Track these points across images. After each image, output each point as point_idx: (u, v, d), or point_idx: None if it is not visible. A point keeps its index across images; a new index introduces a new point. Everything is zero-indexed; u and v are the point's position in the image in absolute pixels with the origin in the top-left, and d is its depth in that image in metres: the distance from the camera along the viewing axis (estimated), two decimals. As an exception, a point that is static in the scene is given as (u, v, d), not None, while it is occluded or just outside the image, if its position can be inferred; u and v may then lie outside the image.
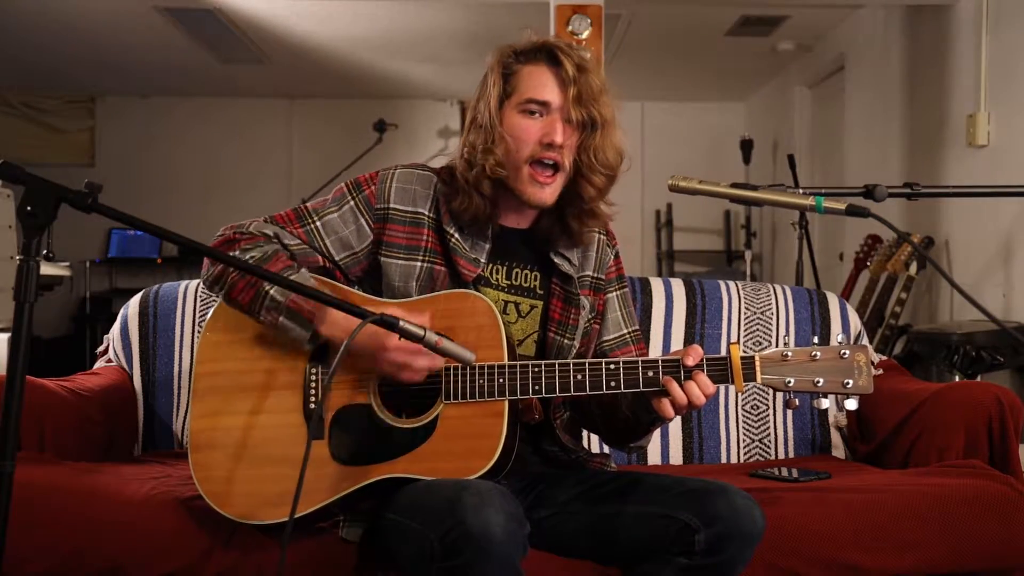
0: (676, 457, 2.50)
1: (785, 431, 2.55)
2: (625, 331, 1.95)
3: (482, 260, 1.81)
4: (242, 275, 1.71)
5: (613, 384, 1.67)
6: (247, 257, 1.72)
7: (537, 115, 1.75)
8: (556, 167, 1.76)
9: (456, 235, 1.80)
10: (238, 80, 7.07)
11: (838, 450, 2.54)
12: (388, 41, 6.07)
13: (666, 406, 1.65)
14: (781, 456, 2.53)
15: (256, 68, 6.66)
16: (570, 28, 4.22)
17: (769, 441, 2.53)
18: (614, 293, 1.96)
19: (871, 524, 1.90)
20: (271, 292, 1.69)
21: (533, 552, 1.70)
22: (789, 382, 1.63)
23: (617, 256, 1.98)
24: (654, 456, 2.50)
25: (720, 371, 1.65)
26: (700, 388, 1.63)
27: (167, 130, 7.59)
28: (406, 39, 6.02)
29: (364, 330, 1.57)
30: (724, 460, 2.52)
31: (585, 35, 4.22)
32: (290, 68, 6.68)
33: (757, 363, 1.64)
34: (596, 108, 1.74)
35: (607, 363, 1.68)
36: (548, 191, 1.76)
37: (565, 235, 1.84)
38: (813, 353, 1.63)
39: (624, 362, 1.67)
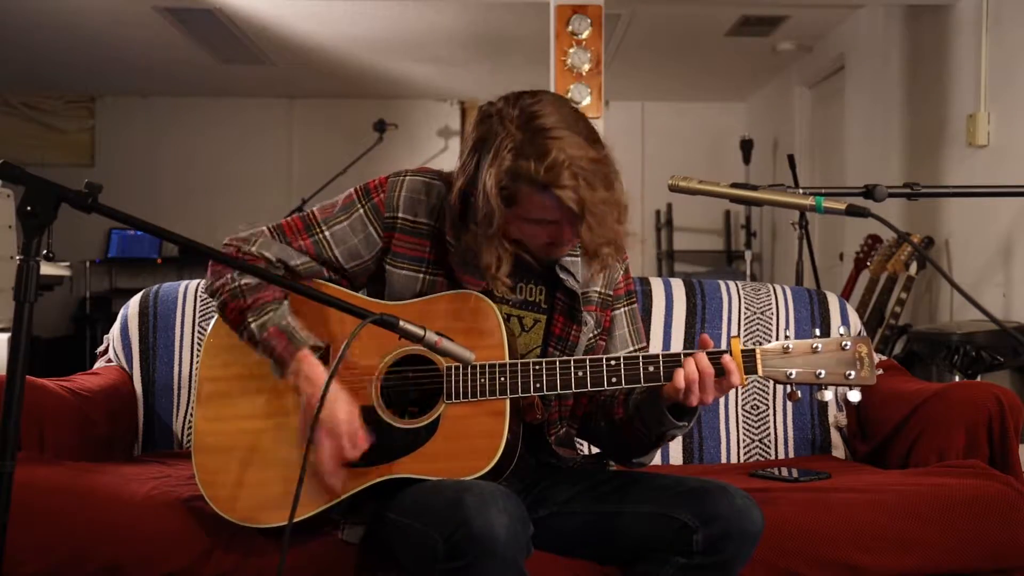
0: (676, 457, 2.50)
1: (785, 431, 2.55)
2: (632, 348, 1.93)
3: None
4: (232, 296, 1.73)
5: (615, 380, 1.67)
6: (242, 282, 1.73)
7: (544, 225, 1.67)
8: None
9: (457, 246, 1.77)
10: (238, 80, 7.07)
11: (838, 450, 2.54)
12: (388, 41, 6.07)
13: (677, 375, 1.63)
14: (781, 456, 2.53)
15: (256, 68, 6.66)
16: (570, 28, 4.22)
17: (769, 441, 2.53)
18: (622, 309, 1.93)
19: (871, 524, 1.90)
20: (252, 326, 1.71)
21: (534, 553, 1.70)
22: (791, 374, 1.64)
23: (627, 271, 1.96)
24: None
25: (720, 363, 1.65)
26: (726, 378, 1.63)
27: (167, 130, 7.59)
28: (406, 39, 6.01)
29: (315, 384, 1.62)
30: (724, 460, 2.52)
31: (585, 35, 4.21)
32: (290, 68, 6.68)
33: (758, 356, 1.65)
34: (599, 210, 1.63)
35: (608, 359, 1.68)
36: (558, 253, 1.76)
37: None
38: (815, 345, 1.64)
39: (625, 358, 1.68)
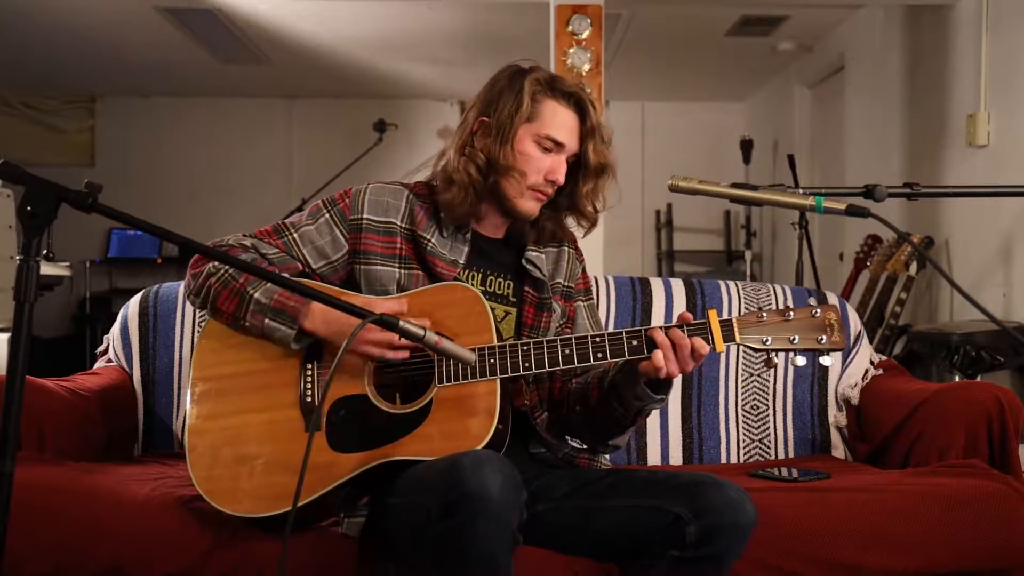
0: (676, 457, 2.50)
1: (785, 431, 2.55)
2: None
3: (460, 261, 1.88)
4: (224, 284, 1.77)
5: (600, 355, 1.72)
6: (225, 270, 1.79)
7: (550, 152, 1.85)
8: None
9: (432, 239, 1.88)
10: (238, 80, 7.07)
11: (838, 450, 2.54)
12: (388, 41, 6.07)
13: (656, 356, 1.68)
14: (781, 456, 2.53)
15: (256, 68, 6.66)
16: (570, 28, 4.22)
17: (769, 441, 2.53)
18: (582, 303, 2.05)
19: (871, 524, 1.90)
20: (255, 295, 1.75)
21: (533, 550, 1.71)
22: (766, 340, 1.73)
23: (584, 271, 2.07)
24: (654, 456, 2.50)
25: (700, 333, 1.70)
26: (695, 347, 1.69)
27: (167, 130, 7.59)
28: (406, 39, 6.02)
29: (340, 323, 1.68)
30: (724, 460, 2.52)
31: (585, 35, 4.21)
32: (290, 68, 6.68)
33: (735, 324, 1.72)
34: (608, 155, 1.89)
35: (593, 336, 1.73)
36: (538, 207, 1.90)
37: (535, 232, 1.94)
38: (788, 314, 1.74)
39: (609, 334, 1.73)
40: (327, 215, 1.89)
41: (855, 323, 2.63)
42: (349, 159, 6.89)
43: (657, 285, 2.62)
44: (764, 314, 1.73)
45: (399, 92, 7.40)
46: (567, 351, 1.72)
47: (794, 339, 1.72)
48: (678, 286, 2.63)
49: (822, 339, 1.71)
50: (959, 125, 4.29)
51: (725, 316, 1.78)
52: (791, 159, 3.89)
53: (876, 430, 2.41)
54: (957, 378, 3.61)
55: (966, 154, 4.25)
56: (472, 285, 1.88)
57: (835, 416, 2.55)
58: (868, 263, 4.61)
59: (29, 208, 1.32)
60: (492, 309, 1.87)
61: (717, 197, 1.80)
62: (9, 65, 6.68)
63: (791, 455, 2.54)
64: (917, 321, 4.61)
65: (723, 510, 1.62)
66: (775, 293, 2.64)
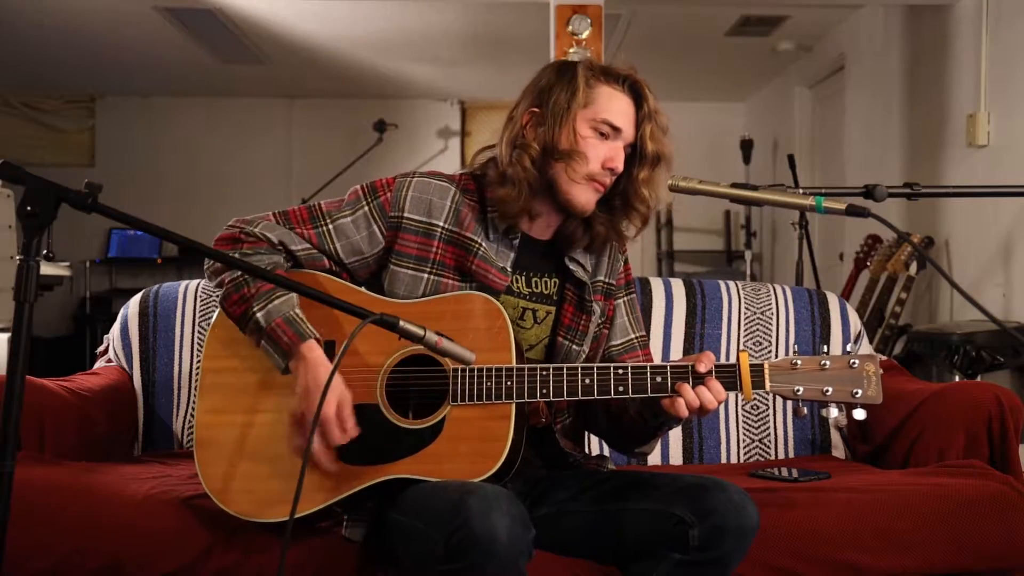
0: (676, 457, 2.50)
1: (785, 431, 2.55)
2: (632, 336, 1.96)
3: (508, 269, 1.81)
4: (236, 288, 1.72)
5: (621, 389, 1.67)
6: (240, 272, 1.72)
7: (607, 138, 1.78)
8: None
9: (483, 244, 1.80)
10: (238, 80, 7.07)
11: (838, 450, 2.54)
12: (388, 41, 6.07)
13: (679, 405, 1.66)
14: (781, 456, 2.53)
15: (256, 68, 6.66)
16: (570, 28, 4.22)
17: (769, 441, 2.53)
18: (622, 299, 1.98)
19: (871, 524, 1.90)
20: (256, 316, 1.69)
21: (535, 552, 1.70)
22: (798, 391, 1.64)
23: (627, 262, 2.00)
24: (654, 456, 2.49)
25: (729, 378, 1.66)
26: (712, 393, 1.65)
27: (167, 130, 7.58)
28: (406, 39, 6.01)
29: (317, 382, 1.61)
30: (724, 460, 2.52)
31: (585, 35, 4.21)
32: (290, 68, 6.68)
33: (766, 371, 1.65)
34: (665, 143, 1.81)
35: (615, 368, 1.68)
36: (595, 200, 1.81)
37: (587, 237, 1.86)
38: (823, 362, 1.64)
39: (632, 367, 1.68)
40: (366, 207, 1.80)
41: (855, 323, 2.63)
42: (349, 159, 6.89)
43: (657, 285, 2.62)
44: (798, 360, 1.64)
45: (399, 92, 7.40)
46: (587, 380, 1.68)
47: (827, 391, 1.62)
48: (678, 286, 2.63)
49: (857, 393, 1.62)
50: (959, 125, 4.29)
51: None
52: (791, 159, 3.89)
53: (876, 430, 2.41)
54: (957, 378, 3.61)
55: (966, 154, 4.25)
56: (518, 288, 1.83)
57: (835, 416, 2.54)
58: (868, 263, 4.61)
59: (29, 208, 1.32)
60: (535, 311, 1.84)
61: (717, 197, 1.78)
62: (9, 65, 6.68)
63: (791, 455, 2.54)
64: (917, 321, 4.61)
65: (726, 513, 1.61)
66: (775, 293, 2.64)
